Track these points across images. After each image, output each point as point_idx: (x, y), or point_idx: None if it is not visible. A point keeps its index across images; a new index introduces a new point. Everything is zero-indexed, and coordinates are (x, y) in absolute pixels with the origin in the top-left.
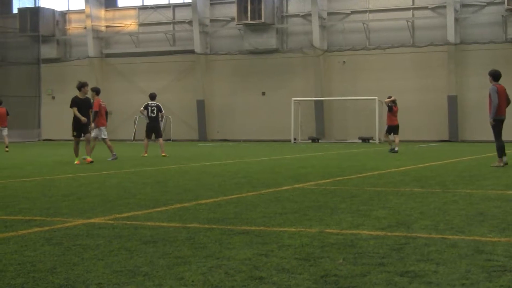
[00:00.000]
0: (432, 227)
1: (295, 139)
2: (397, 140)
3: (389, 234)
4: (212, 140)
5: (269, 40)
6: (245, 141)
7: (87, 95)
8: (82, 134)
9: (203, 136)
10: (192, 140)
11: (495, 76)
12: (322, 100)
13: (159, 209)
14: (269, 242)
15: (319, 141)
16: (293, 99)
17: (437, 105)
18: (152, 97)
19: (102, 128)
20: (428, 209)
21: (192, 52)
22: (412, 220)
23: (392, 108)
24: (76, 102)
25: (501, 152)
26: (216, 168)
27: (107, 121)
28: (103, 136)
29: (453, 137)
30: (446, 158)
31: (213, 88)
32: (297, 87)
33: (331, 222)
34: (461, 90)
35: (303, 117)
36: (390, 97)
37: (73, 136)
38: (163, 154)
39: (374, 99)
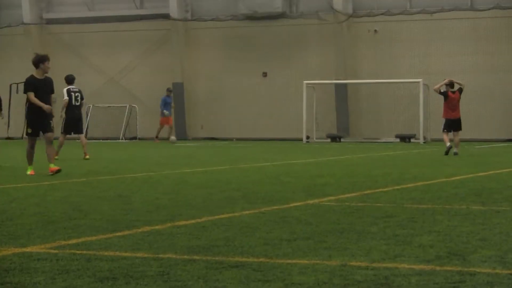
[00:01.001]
0: (497, 259)
1: (308, 137)
2: (456, 139)
3: (438, 268)
4: (194, 139)
5: (273, 0)
6: (239, 139)
7: (47, 74)
8: (41, 133)
9: (181, 133)
10: (167, 139)
11: None
12: (345, 84)
13: (120, 233)
14: (273, 279)
15: (341, 140)
16: (306, 82)
17: (504, 90)
18: (71, 80)
19: None
20: (492, 234)
21: (166, 17)
22: (469, 249)
23: (447, 94)
24: (32, 84)
25: None
26: (200, 177)
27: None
28: None
29: None
30: None
31: (195, 67)
32: (311, 65)
33: (358, 252)
34: None
35: (320, 107)
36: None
37: (27, 134)
38: (86, 156)
39: (418, 82)
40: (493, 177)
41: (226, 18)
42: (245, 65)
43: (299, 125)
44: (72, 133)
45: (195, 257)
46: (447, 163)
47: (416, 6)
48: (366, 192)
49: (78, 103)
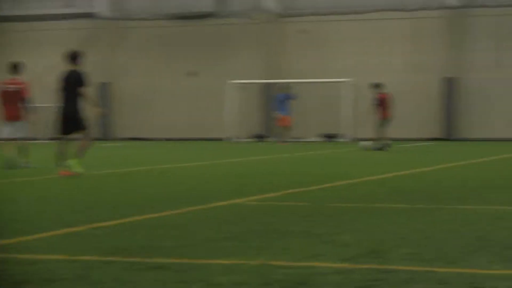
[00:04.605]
0: (415, 257)
1: (233, 137)
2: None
3: (357, 266)
4: (121, 139)
5: (202, 0)
6: (168, 140)
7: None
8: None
9: (108, 133)
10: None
11: None
12: (274, 84)
13: (36, 236)
14: (193, 280)
15: (266, 139)
16: (232, 81)
17: (429, 90)
18: None
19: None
20: (412, 232)
21: (93, 16)
22: (389, 247)
23: (383, 97)
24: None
25: None
26: (122, 178)
27: None
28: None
29: (451, 134)
30: (439, 163)
31: (123, 66)
32: (240, 65)
33: (278, 251)
34: (463, 71)
35: (246, 107)
36: (378, 85)
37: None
38: None
39: (345, 81)
40: (415, 176)
41: (154, 17)
42: (174, 64)
43: (226, 125)
44: None
45: (114, 258)
46: (370, 162)
47: (346, 6)
48: (289, 191)
49: None
